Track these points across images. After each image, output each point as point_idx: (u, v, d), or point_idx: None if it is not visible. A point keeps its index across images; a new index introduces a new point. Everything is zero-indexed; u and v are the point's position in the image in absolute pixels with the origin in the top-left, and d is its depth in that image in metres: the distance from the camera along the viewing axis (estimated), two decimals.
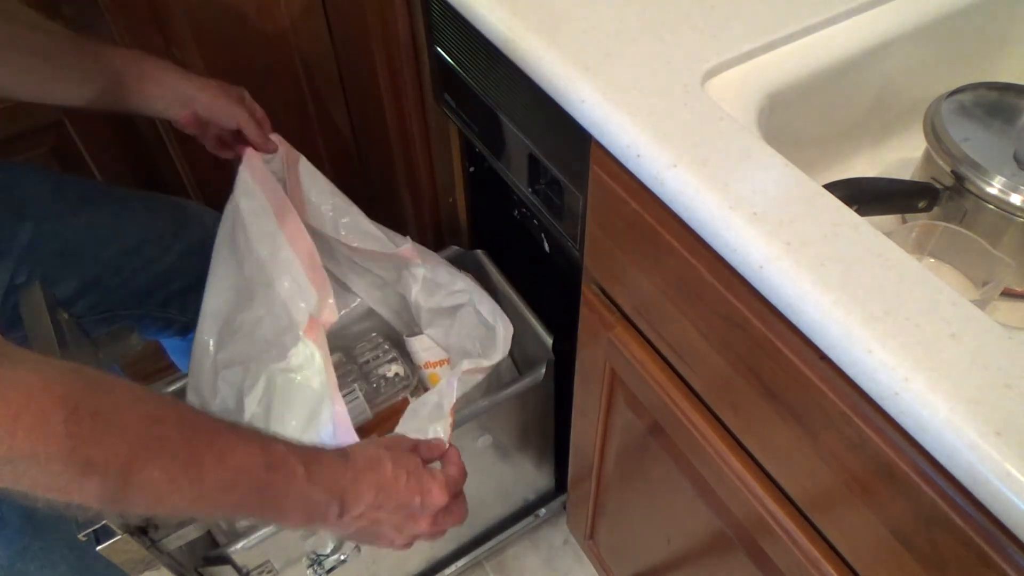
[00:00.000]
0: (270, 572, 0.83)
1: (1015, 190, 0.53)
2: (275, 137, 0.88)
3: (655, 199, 0.51)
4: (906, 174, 0.63)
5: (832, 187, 0.52)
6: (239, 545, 0.78)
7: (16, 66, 0.71)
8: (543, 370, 0.90)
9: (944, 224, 0.57)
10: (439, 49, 0.79)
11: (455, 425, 0.79)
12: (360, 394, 0.96)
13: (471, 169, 0.97)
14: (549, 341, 0.91)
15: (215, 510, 0.53)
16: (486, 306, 0.90)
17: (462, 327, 0.98)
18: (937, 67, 0.65)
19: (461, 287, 0.94)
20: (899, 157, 0.67)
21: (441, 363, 1.03)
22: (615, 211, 0.59)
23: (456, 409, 0.79)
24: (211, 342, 0.86)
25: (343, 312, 1.02)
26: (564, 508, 1.13)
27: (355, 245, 0.89)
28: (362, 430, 0.94)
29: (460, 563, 1.10)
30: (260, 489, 0.53)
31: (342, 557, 0.88)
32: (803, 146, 0.60)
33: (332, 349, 0.81)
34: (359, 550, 0.90)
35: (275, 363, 0.80)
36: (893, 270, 0.42)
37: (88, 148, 1.03)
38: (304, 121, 1.14)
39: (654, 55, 0.56)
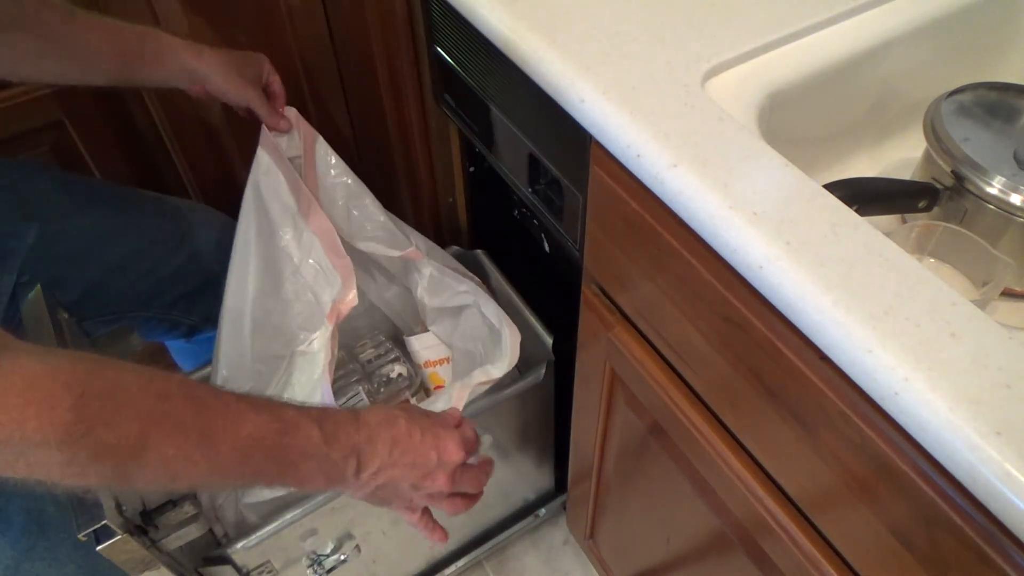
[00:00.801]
0: (270, 572, 0.83)
1: (1015, 190, 0.53)
2: (291, 113, 0.86)
3: (655, 199, 0.51)
4: (906, 174, 0.63)
5: (832, 187, 0.52)
6: (239, 545, 0.78)
7: (23, 48, 0.70)
8: (543, 370, 0.90)
9: (944, 224, 0.57)
10: (439, 49, 0.79)
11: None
12: (364, 396, 0.96)
13: (471, 169, 0.97)
14: (549, 341, 0.91)
15: (234, 480, 0.53)
16: (491, 309, 0.90)
17: (466, 328, 0.98)
18: (937, 67, 0.65)
19: (465, 288, 0.94)
20: (899, 157, 0.67)
21: (441, 361, 1.04)
22: (615, 211, 0.59)
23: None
24: (245, 329, 0.86)
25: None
26: (564, 508, 1.13)
27: (359, 247, 0.89)
28: None
29: (460, 563, 1.10)
30: (276, 455, 0.53)
31: (342, 557, 0.88)
32: (803, 146, 0.60)
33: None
34: (359, 550, 0.90)
35: (299, 346, 0.80)
36: (893, 270, 0.42)
37: (88, 148, 1.03)
38: None
39: (654, 55, 0.56)
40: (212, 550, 0.79)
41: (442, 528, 0.70)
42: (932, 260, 0.58)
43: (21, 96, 0.94)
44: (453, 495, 0.66)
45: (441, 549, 1.08)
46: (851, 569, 0.50)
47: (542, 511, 1.14)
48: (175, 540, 0.68)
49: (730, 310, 0.50)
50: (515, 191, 0.79)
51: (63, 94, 0.96)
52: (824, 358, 0.42)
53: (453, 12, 0.68)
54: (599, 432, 0.82)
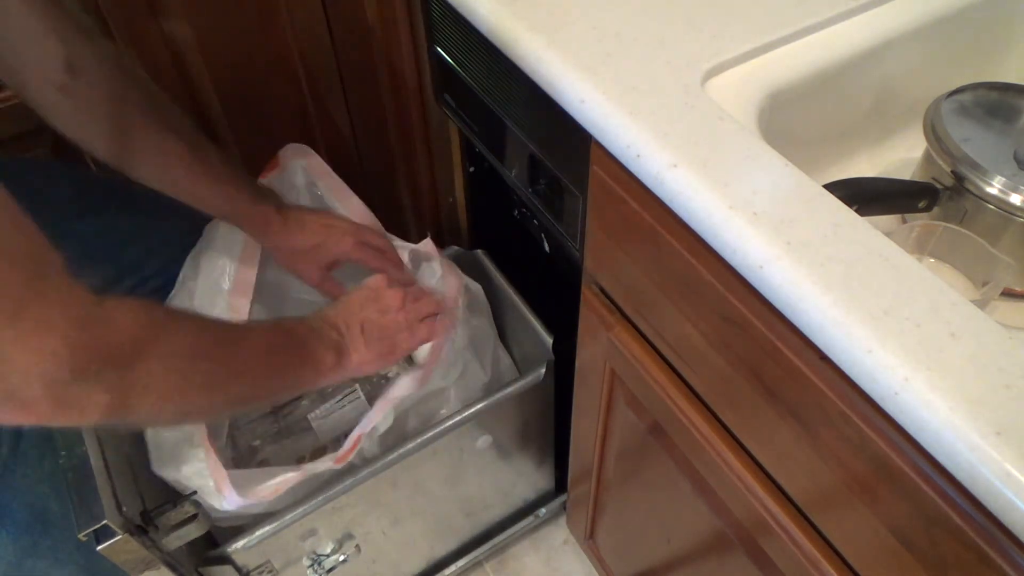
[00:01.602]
0: (270, 572, 0.83)
1: (1015, 190, 0.53)
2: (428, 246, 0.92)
3: (655, 199, 0.51)
4: (906, 174, 0.63)
5: (832, 187, 0.52)
6: (239, 545, 0.78)
7: (121, 146, 0.73)
8: (543, 370, 0.90)
9: (944, 224, 0.57)
10: (439, 49, 0.79)
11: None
12: (361, 394, 0.96)
13: (471, 169, 0.97)
14: (549, 341, 0.91)
15: (269, 384, 0.64)
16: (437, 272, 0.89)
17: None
18: (937, 67, 0.65)
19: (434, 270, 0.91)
20: (899, 157, 0.67)
21: None
22: (615, 211, 0.59)
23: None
24: None
25: None
26: (564, 508, 1.13)
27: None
28: None
29: (460, 563, 1.10)
30: (286, 344, 0.65)
31: (342, 557, 0.88)
32: (803, 146, 0.60)
33: None
34: (359, 550, 0.90)
35: None
36: (893, 270, 0.42)
37: None
38: (304, 121, 1.14)
39: (654, 55, 0.56)
40: (212, 550, 0.79)
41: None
42: (932, 260, 0.58)
43: None
44: (423, 320, 0.78)
45: (441, 549, 1.08)
46: (851, 569, 0.50)
47: (542, 511, 1.14)
48: (175, 540, 0.68)
49: (730, 310, 0.50)
50: (515, 191, 0.79)
51: None
52: (824, 358, 0.42)
53: (453, 12, 0.68)
54: (599, 432, 0.82)
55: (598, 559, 1.02)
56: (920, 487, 0.40)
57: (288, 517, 0.80)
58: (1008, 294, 0.57)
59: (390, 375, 1.00)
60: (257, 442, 1.00)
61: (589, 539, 1.02)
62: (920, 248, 0.58)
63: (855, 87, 0.61)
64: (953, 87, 0.60)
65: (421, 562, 1.07)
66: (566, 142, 0.63)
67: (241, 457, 0.98)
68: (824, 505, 0.50)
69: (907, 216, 0.61)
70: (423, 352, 0.82)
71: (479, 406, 0.87)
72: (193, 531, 0.69)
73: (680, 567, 0.78)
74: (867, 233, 0.44)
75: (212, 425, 0.78)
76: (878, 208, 0.58)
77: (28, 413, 0.43)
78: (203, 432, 0.74)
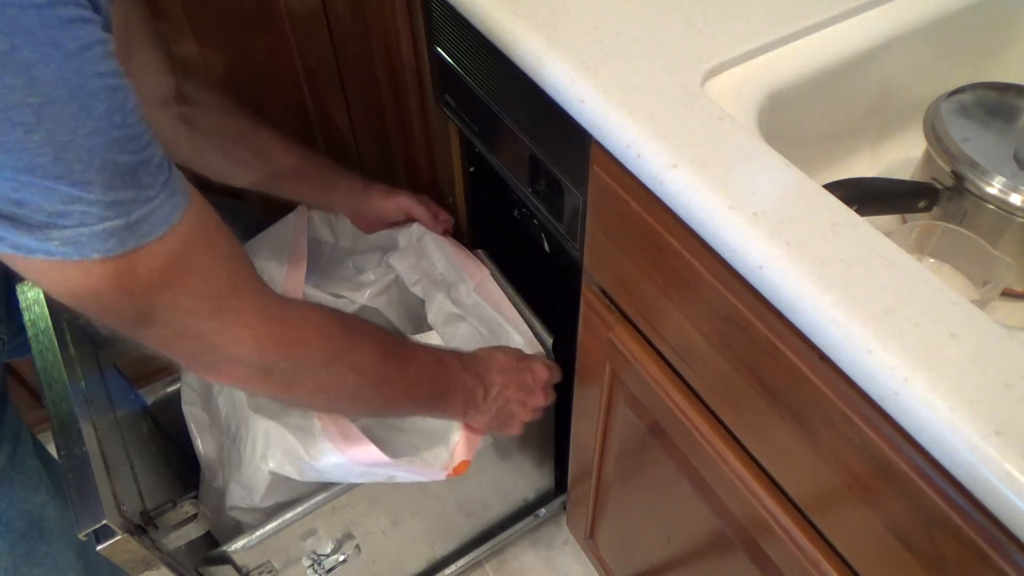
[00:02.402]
0: (270, 572, 0.83)
1: (1015, 190, 0.53)
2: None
3: (655, 199, 0.51)
4: (906, 174, 0.63)
5: (832, 187, 0.52)
6: (239, 545, 0.78)
7: (231, 159, 0.83)
8: None
9: (944, 224, 0.57)
10: (439, 49, 0.79)
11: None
12: None
13: (471, 169, 0.97)
14: (549, 341, 0.91)
15: (418, 396, 0.69)
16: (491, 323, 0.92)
17: (469, 331, 0.97)
18: (937, 67, 0.65)
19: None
20: (899, 157, 0.67)
21: None
22: (615, 211, 0.59)
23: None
24: None
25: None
26: (564, 508, 1.13)
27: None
28: None
29: (460, 563, 1.10)
30: (436, 379, 0.70)
31: (342, 557, 0.88)
32: (803, 146, 0.60)
33: None
34: (359, 550, 0.90)
35: None
36: (893, 270, 0.42)
37: None
38: (304, 121, 1.14)
39: (654, 55, 0.56)
40: (212, 550, 0.79)
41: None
42: (932, 260, 0.58)
43: None
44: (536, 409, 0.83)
45: (441, 549, 1.08)
46: (851, 569, 0.50)
47: (542, 511, 1.14)
48: (175, 540, 0.68)
49: (730, 310, 0.50)
50: (515, 191, 0.79)
51: None
52: (824, 358, 0.42)
53: (453, 12, 0.68)
54: (599, 432, 0.82)
55: (598, 559, 1.02)
56: (920, 487, 0.40)
57: (288, 517, 0.80)
58: (1008, 294, 0.57)
59: None
60: None
61: (589, 539, 1.02)
62: (920, 248, 0.58)
63: (855, 87, 0.61)
64: (953, 87, 0.60)
65: (421, 562, 1.07)
66: (566, 142, 0.63)
67: None
68: (824, 505, 0.50)
69: (907, 216, 0.61)
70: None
71: None
72: (193, 531, 0.69)
73: (680, 567, 0.78)
74: (867, 233, 0.44)
75: None
76: (878, 208, 0.58)
77: (224, 378, 0.54)
78: None
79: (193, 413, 0.91)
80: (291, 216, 1.00)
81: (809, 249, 0.43)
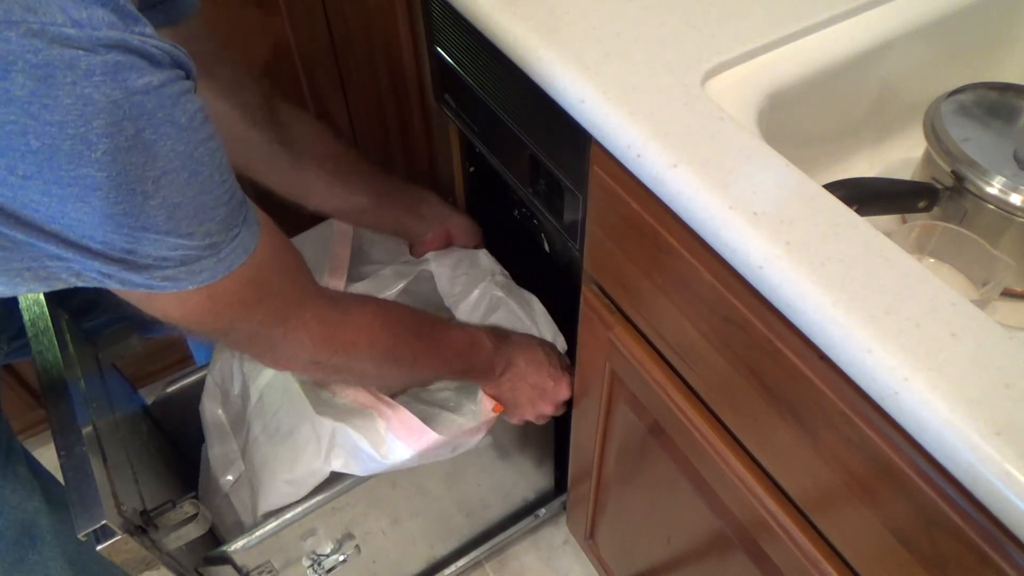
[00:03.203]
0: (270, 572, 0.83)
1: (1015, 190, 0.53)
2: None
3: (655, 199, 0.51)
4: (906, 174, 0.63)
5: (832, 187, 0.52)
6: (239, 545, 0.78)
7: (321, 184, 0.85)
8: None
9: (944, 224, 0.57)
10: (439, 49, 0.79)
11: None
12: None
13: (471, 169, 0.97)
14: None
15: (444, 373, 0.77)
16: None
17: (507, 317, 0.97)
18: (937, 67, 0.65)
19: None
20: (899, 157, 0.67)
21: None
22: (615, 211, 0.59)
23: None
24: None
25: None
26: (564, 508, 1.13)
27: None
28: None
29: (460, 563, 1.10)
30: (466, 357, 0.77)
31: (342, 557, 0.88)
32: (803, 146, 0.60)
33: None
34: (359, 550, 0.90)
35: None
36: (893, 270, 0.42)
37: None
38: None
39: (654, 55, 0.56)
40: (212, 550, 0.79)
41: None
42: (932, 260, 0.58)
43: None
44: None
45: (441, 549, 1.08)
46: (851, 569, 0.50)
47: (542, 511, 1.14)
48: (175, 540, 0.68)
49: (730, 310, 0.50)
50: (515, 191, 0.79)
51: None
52: (824, 358, 0.42)
53: (453, 12, 0.68)
54: (599, 432, 0.82)
55: (598, 559, 1.02)
56: (920, 487, 0.40)
57: (288, 517, 0.80)
58: (1008, 294, 0.57)
59: None
60: None
61: (589, 539, 1.02)
62: (920, 248, 0.58)
63: (855, 87, 0.61)
64: (953, 87, 0.60)
65: (421, 562, 1.07)
66: (566, 142, 0.63)
67: None
68: (824, 505, 0.50)
69: (907, 216, 0.61)
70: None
71: None
72: (193, 531, 0.69)
73: (680, 567, 0.78)
74: (867, 233, 0.44)
75: None
76: (878, 208, 0.58)
77: (281, 368, 0.64)
78: None
79: (211, 410, 0.91)
80: (333, 222, 0.99)
81: (809, 249, 0.43)
